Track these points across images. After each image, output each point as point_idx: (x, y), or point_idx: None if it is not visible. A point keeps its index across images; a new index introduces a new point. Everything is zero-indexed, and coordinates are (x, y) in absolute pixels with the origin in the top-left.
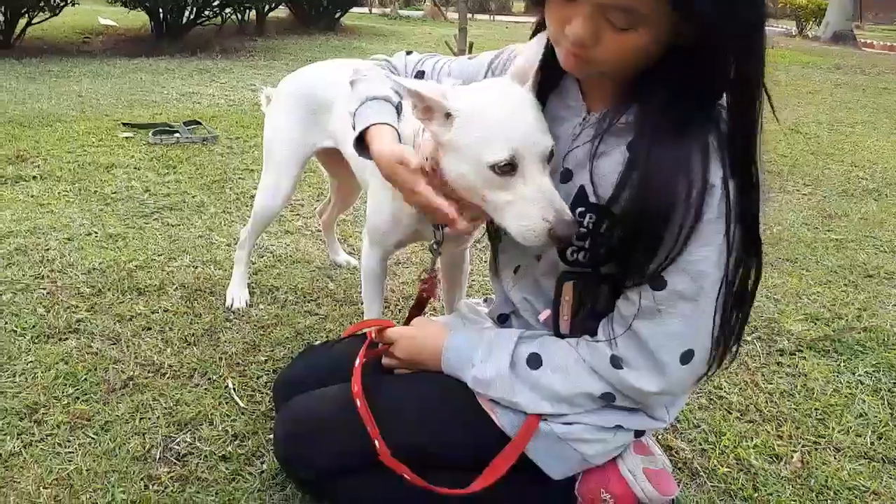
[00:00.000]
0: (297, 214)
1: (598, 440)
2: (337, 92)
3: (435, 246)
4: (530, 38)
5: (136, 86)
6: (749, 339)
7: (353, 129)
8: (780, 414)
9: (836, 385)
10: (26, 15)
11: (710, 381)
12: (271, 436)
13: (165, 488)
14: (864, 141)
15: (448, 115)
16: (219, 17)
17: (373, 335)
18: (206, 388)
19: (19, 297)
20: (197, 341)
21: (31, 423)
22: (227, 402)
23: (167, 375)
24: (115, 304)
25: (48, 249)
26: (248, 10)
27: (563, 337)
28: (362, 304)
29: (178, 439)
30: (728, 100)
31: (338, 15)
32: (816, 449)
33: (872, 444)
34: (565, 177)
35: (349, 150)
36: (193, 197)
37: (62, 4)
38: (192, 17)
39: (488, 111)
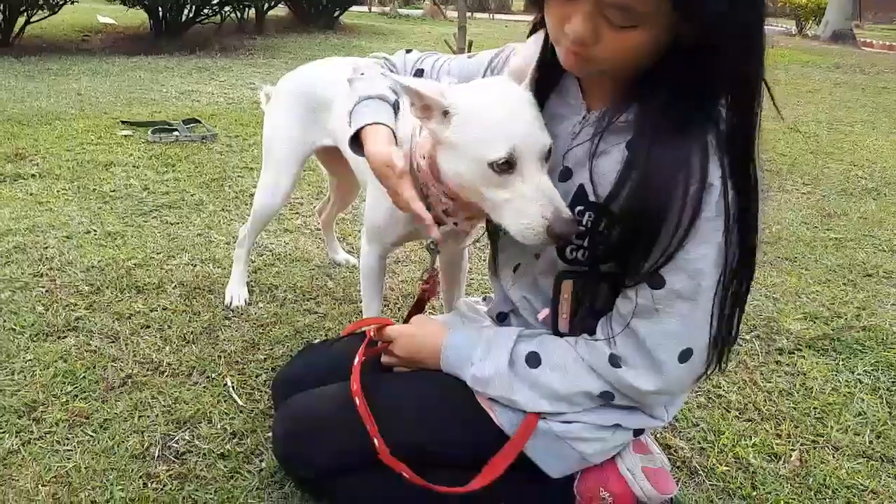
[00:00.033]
0: (297, 213)
1: (597, 439)
2: (336, 90)
3: (432, 245)
4: (527, 36)
5: (135, 84)
6: (748, 337)
7: (350, 127)
8: (778, 413)
9: (835, 384)
10: (25, 13)
11: (708, 380)
12: (270, 434)
13: (164, 486)
14: (863, 140)
15: (446, 114)
16: (218, 16)
17: (372, 333)
18: (204, 387)
19: (18, 295)
20: (196, 339)
21: (30, 421)
22: (225, 401)
23: (166, 373)
24: (114, 302)
25: (47, 247)
26: (247, 9)
27: (562, 335)
28: (361, 302)
29: (176, 437)
30: (728, 100)
31: (337, 13)
32: (815, 448)
33: (871, 442)
34: (565, 175)
35: (348, 149)
36: (192, 195)
37: (61, 3)
38: (191, 15)
39: (487, 109)
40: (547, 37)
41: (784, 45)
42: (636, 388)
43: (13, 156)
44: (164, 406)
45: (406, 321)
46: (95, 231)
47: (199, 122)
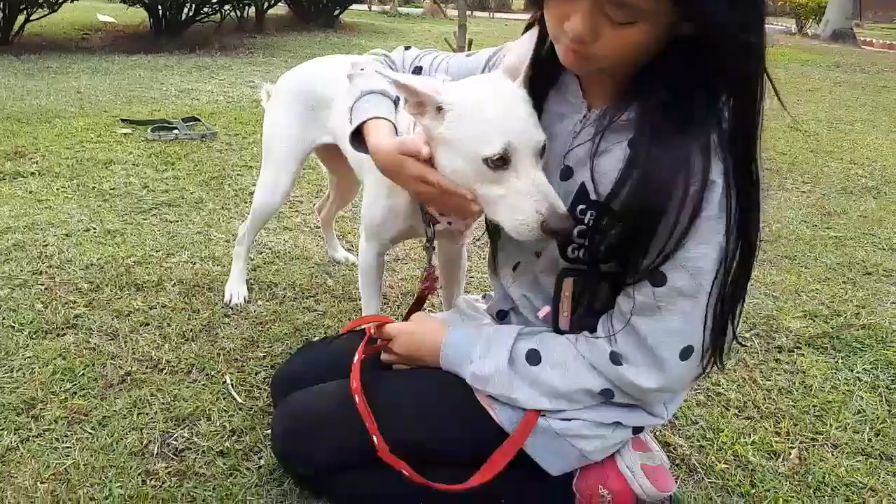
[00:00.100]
0: (296, 211)
1: (597, 436)
2: (336, 88)
3: (428, 244)
4: (522, 34)
5: (134, 82)
6: (747, 335)
7: (350, 123)
8: (777, 410)
9: (834, 382)
10: (25, 11)
11: (708, 378)
12: (269, 431)
13: (163, 483)
14: (863, 139)
15: (440, 110)
16: (218, 14)
17: (371, 331)
18: (203, 384)
19: (17, 293)
20: (195, 337)
21: (29, 419)
22: (224, 398)
23: (165, 371)
24: (113, 299)
25: (46, 245)
26: (247, 7)
27: (562, 333)
28: (361, 300)
29: (175, 435)
30: (729, 99)
31: (337, 12)
32: (814, 445)
33: (870, 440)
34: (566, 174)
35: (348, 146)
36: (192, 193)
37: (61, 1)
38: (190, 13)
39: (481, 105)
40: (541, 34)
41: (784, 43)
42: (637, 386)
43: (13, 154)
44: (163, 403)
45: (406, 319)
46: (95, 229)
47: (199, 120)
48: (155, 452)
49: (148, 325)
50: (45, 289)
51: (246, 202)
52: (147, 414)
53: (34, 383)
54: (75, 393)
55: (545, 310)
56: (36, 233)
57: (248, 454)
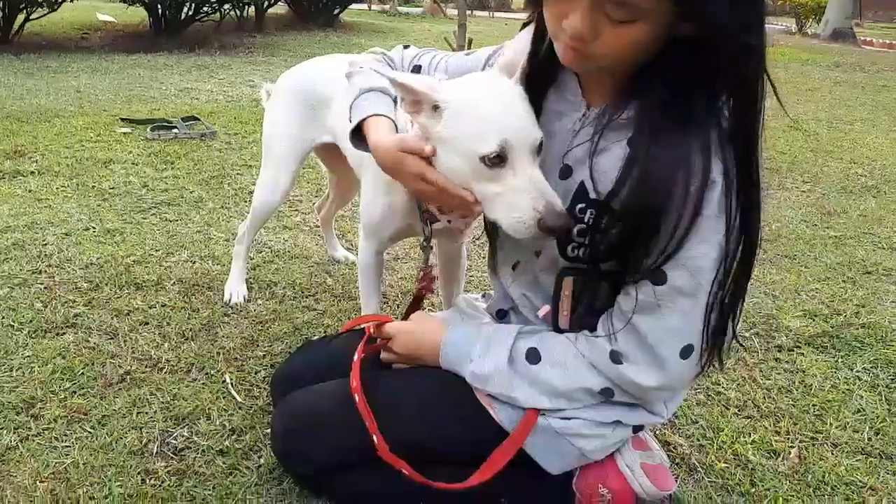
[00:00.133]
0: (296, 210)
1: (597, 435)
2: (336, 87)
3: (425, 243)
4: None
5: (134, 81)
6: (747, 335)
7: (350, 121)
8: (777, 410)
9: (834, 381)
10: (24, 10)
11: (708, 378)
12: (269, 431)
13: (162, 482)
14: (863, 138)
15: (436, 108)
16: (217, 14)
17: (371, 330)
18: (203, 383)
19: (17, 292)
20: (194, 336)
21: (28, 418)
22: (224, 397)
23: (164, 370)
24: (113, 298)
25: (46, 244)
26: (246, 7)
27: (562, 332)
28: (360, 299)
29: (175, 434)
30: (729, 98)
31: (337, 11)
32: (814, 444)
33: (870, 439)
34: (565, 173)
35: (347, 145)
36: (191, 192)
37: (60, 0)
38: (190, 13)
39: (478, 103)
40: (538, 31)
41: (784, 43)
42: (637, 385)
43: (12, 153)
44: (163, 402)
45: (405, 318)
46: (94, 228)
47: (199, 119)
48: (154, 451)
49: (147, 324)
50: (45, 288)
51: (245, 201)
52: (146, 413)
53: (34, 382)
54: (75, 392)
55: (545, 309)
56: (35, 232)
57: (247, 453)
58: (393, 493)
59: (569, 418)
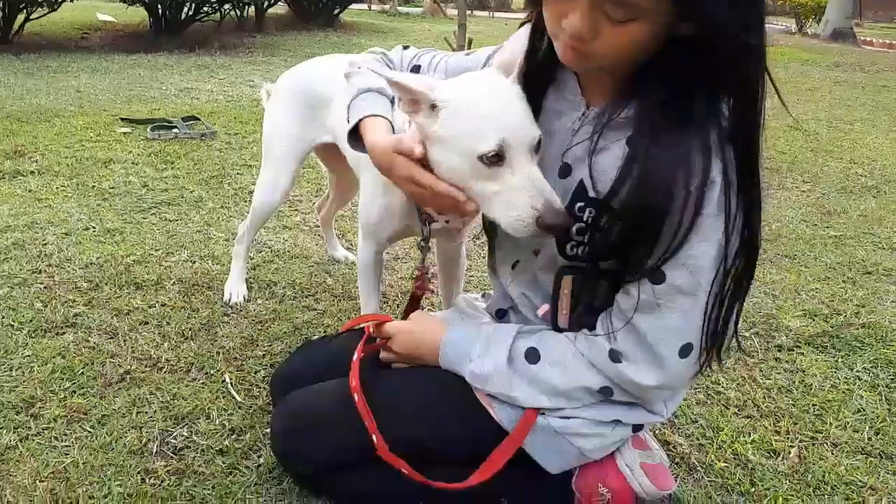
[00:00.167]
0: (296, 210)
1: (596, 434)
2: (336, 87)
3: (423, 243)
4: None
5: (134, 81)
6: (747, 334)
7: (348, 121)
8: (777, 409)
9: (834, 381)
10: (24, 10)
11: (707, 377)
12: (268, 430)
13: (162, 482)
14: (863, 138)
15: (434, 107)
16: (217, 14)
17: (371, 330)
18: (203, 383)
19: (17, 292)
20: (194, 336)
21: (28, 417)
22: (224, 397)
23: (164, 370)
24: (113, 298)
25: (46, 244)
26: (246, 7)
27: (561, 331)
28: (360, 298)
29: (174, 433)
30: (729, 98)
31: (337, 11)
32: (814, 444)
33: (870, 439)
34: (564, 172)
35: (346, 145)
36: (191, 192)
37: (60, 0)
38: (190, 13)
39: (475, 102)
40: (536, 30)
41: (784, 43)
42: (637, 384)
43: (12, 153)
44: (163, 402)
45: (404, 318)
46: (94, 228)
47: (199, 119)
48: (154, 451)
49: (147, 323)
50: (45, 287)
51: (245, 201)
52: (146, 412)
53: (33, 382)
54: (74, 391)
55: (544, 308)
56: (35, 231)
57: (247, 453)
58: (392, 492)
59: (568, 417)
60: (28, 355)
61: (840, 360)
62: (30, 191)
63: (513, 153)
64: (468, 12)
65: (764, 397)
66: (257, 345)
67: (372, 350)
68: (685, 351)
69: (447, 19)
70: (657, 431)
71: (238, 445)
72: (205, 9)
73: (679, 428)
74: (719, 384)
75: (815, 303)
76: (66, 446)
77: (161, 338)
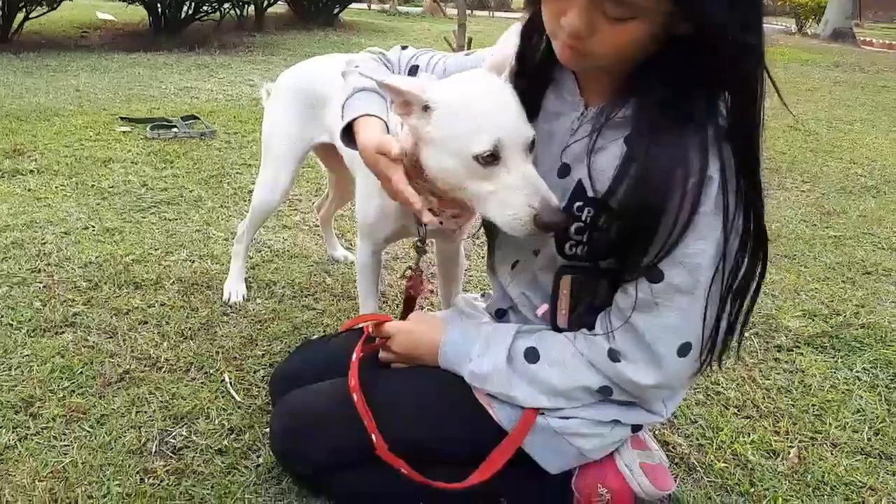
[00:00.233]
0: (295, 209)
1: (596, 434)
2: (335, 87)
3: (419, 243)
4: None
5: (133, 80)
6: (747, 334)
7: (342, 119)
8: (777, 410)
9: (834, 381)
10: (24, 9)
11: (707, 377)
12: (268, 430)
13: (161, 482)
14: (862, 138)
15: (426, 108)
16: (217, 13)
17: (370, 329)
18: (202, 382)
19: (16, 291)
20: (193, 335)
21: (27, 417)
22: (223, 396)
23: (163, 369)
24: (112, 297)
25: (45, 243)
26: (246, 6)
27: (560, 331)
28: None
29: (174, 433)
30: (728, 98)
31: (336, 11)
32: (813, 444)
33: (869, 439)
34: (563, 171)
35: (342, 144)
36: (191, 191)
37: None
38: (190, 12)
39: (468, 103)
40: (533, 29)
41: (784, 43)
42: (635, 383)
43: (11, 152)
44: (162, 402)
45: (403, 318)
46: (93, 227)
47: (198, 118)
48: (153, 451)
49: (146, 323)
50: (44, 287)
51: (245, 200)
52: (145, 412)
53: (32, 381)
54: (73, 391)
55: (544, 308)
56: (34, 231)
57: (246, 452)
58: (392, 492)
59: (567, 417)
60: (27, 354)
61: (839, 360)
62: (29, 190)
63: (508, 153)
64: (468, 12)
65: (763, 397)
66: (256, 344)
67: (371, 350)
68: (684, 350)
69: (447, 19)
70: (657, 432)
71: (237, 445)
72: (204, 8)
73: (678, 428)
74: (719, 384)
75: (815, 303)
76: (65, 446)
77: (160, 337)
